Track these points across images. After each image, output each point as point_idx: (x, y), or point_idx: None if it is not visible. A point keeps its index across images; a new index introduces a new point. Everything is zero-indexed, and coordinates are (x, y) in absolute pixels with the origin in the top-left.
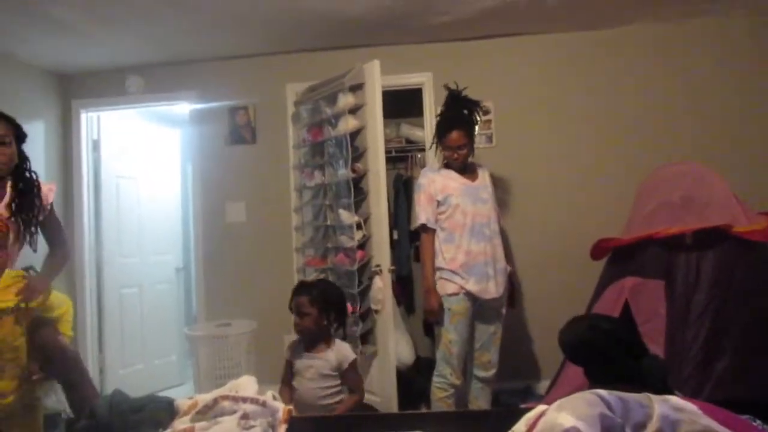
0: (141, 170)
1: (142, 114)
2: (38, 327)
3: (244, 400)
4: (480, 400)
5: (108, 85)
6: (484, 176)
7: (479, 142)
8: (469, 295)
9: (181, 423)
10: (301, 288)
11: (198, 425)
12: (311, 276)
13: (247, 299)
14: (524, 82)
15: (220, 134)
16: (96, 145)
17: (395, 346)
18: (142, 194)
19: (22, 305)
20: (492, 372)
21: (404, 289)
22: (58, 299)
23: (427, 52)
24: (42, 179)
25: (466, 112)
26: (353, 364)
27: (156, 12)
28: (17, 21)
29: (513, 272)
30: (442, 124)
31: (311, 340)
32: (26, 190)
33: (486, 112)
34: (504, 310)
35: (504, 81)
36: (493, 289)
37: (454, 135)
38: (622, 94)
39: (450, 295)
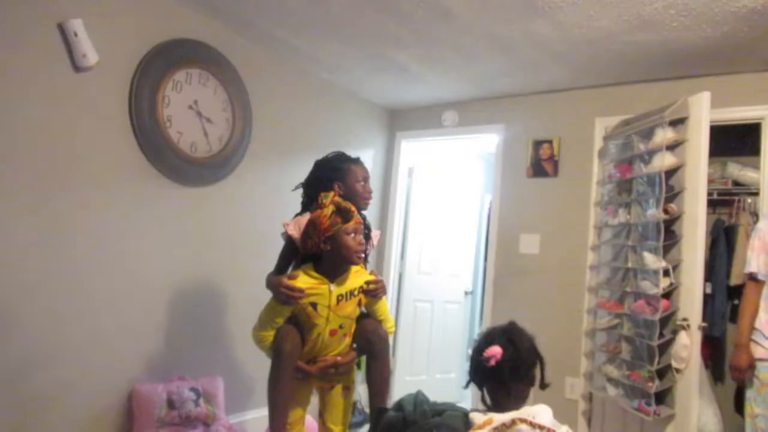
0: (445, 196)
1: (451, 145)
2: (365, 317)
3: (541, 427)
4: None
5: (426, 118)
6: None
7: None
8: None
9: None
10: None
11: None
12: (604, 319)
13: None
14: None
15: (522, 166)
16: (410, 172)
17: (698, 414)
18: (444, 217)
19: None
20: None
21: (714, 352)
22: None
23: None
24: None
25: None
26: None
27: (476, 53)
28: (363, 65)
29: None
30: None
31: None
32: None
33: None
34: None
35: None
36: None
37: None
38: None
39: (759, 359)
